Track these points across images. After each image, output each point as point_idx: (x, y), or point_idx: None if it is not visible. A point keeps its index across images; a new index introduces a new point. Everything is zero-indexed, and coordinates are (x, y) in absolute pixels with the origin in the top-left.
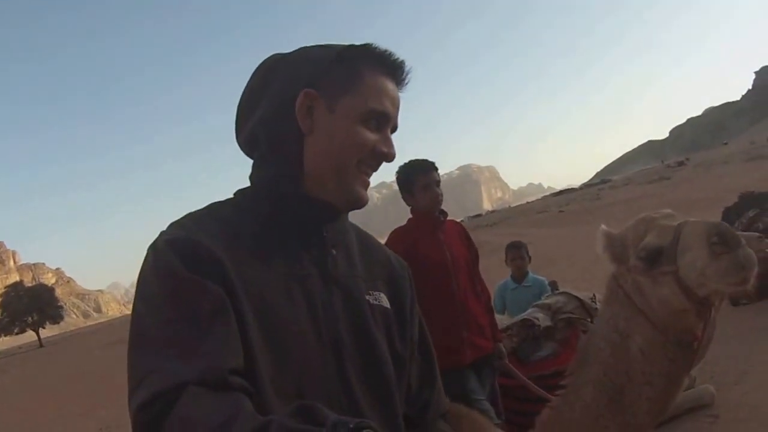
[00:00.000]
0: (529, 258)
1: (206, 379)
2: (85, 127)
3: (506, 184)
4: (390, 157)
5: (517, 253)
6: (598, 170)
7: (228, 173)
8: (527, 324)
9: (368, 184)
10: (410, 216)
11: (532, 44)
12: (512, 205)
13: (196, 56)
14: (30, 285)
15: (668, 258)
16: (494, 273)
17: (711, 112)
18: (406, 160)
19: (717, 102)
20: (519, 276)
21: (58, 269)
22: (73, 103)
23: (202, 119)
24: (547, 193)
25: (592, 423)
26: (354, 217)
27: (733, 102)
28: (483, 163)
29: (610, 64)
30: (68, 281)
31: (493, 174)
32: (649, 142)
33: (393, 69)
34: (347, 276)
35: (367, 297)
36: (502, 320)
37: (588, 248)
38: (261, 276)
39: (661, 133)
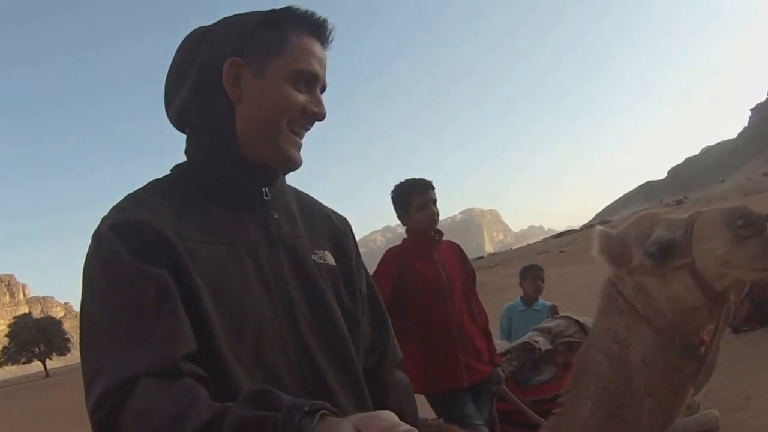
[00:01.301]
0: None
1: (158, 370)
2: (99, 173)
3: (508, 226)
4: (321, 116)
5: (538, 274)
6: (598, 211)
7: None
8: (527, 348)
9: (300, 144)
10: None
11: (530, 93)
12: (514, 247)
13: None
14: (39, 317)
15: (682, 251)
16: (496, 312)
17: (708, 151)
18: (402, 180)
19: (714, 141)
20: (533, 298)
21: (66, 303)
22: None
23: None
24: (548, 235)
25: None
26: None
27: (729, 140)
28: (485, 207)
29: (608, 108)
30: (76, 315)
31: (495, 217)
32: (648, 182)
33: (317, 28)
34: (291, 237)
35: (313, 256)
36: (502, 345)
37: (588, 286)
38: (209, 248)
39: (660, 174)
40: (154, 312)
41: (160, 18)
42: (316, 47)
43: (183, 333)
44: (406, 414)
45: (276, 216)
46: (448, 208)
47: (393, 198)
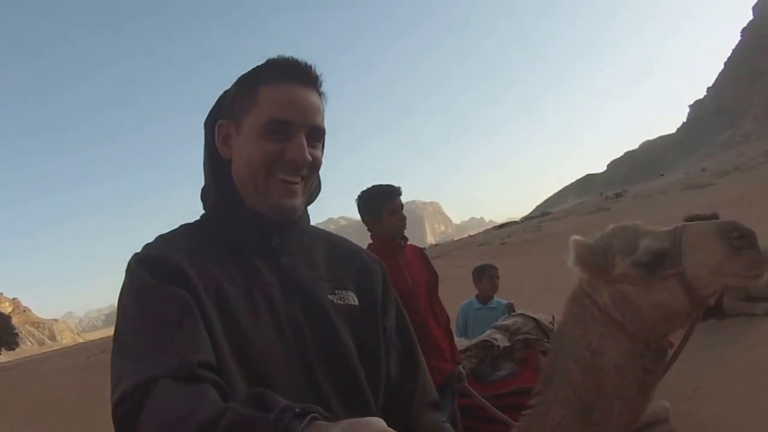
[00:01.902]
0: None
1: (176, 373)
2: (45, 165)
3: (449, 218)
4: (299, 162)
5: (494, 272)
6: (538, 203)
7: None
8: (486, 345)
9: (294, 191)
10: (370, 242)
11: (470, 87)
12: (455, 239)
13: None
14: None
15: (672, 260)
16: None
17: (647, 146)
18: (368, 186)
19: (653, 135)
20: (489, 297)
21: (15, 299)
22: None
23: (159, 163)
24: (489, 227)
25: None
26: None
27: (668, 135)
28: (427, 199)
29: (548, 101)
30: (24, 310)
31: (436, 209)
32: (588, 175)
33: (297, 74)
34: (307, 279)
35: (331, 297)
36: (461, 342)
37: (532, 278)
38: (225, 290)
39: (600, 167)
40: (176, 324)
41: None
42: (296, 91)
43: (202, 343)
44: None
45: (290, 260)
46: None
47: (361, 203)
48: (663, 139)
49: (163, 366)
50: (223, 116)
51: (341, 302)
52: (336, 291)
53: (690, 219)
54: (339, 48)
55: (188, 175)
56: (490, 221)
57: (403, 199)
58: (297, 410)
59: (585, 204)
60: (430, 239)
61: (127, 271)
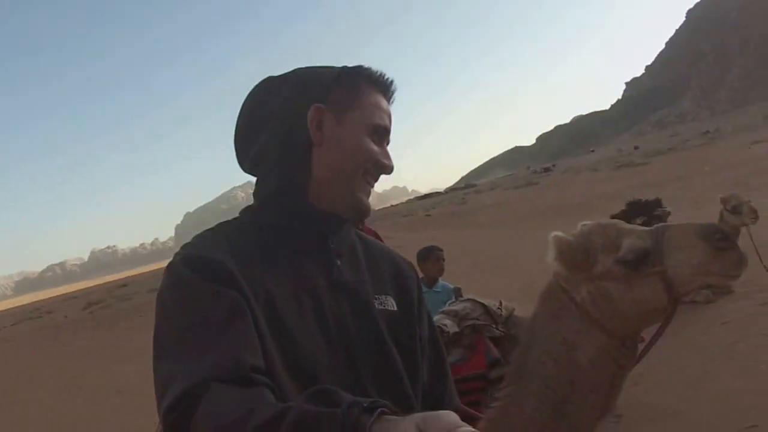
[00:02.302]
0: None
1: (229, 376)
2: None
3: None
4: (389, 169)
5: (440, 254)
6: (464, 174)
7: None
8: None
9: (370, 194)
10: None
11: (399, 53)
12: (376, 208)
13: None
14: None
15: (655, 259)
16: None
17: (579, 121)
18: None
19: (586, 111)
20: (434, 280)
21: None
22: None
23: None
24: (412, 197)
25: None
26: (221, 217)
27: (601, 111)
28: None
29: (478, 71)
30: None
31: None
32: (516, 147)
33: (385, 87)
34: (354, 282)
35: (374, 301)
36: None
37: (459, 253)
38: (271, 290)
39: (529, 140)
40: (226, 325)
41: None
42: (385, 104)
43: (253, 345)
44: None
45: (339, 262)
46: None
47: None
48: (596, 115)
49: (214, 368)
50: (318, 100)
51: (382, 307)
52: (377, 296)
53: (633, 203)
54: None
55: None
56: (413, 191)
57: None
58: (365, 405)
59: (513, 177)
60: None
61: (169, 270)
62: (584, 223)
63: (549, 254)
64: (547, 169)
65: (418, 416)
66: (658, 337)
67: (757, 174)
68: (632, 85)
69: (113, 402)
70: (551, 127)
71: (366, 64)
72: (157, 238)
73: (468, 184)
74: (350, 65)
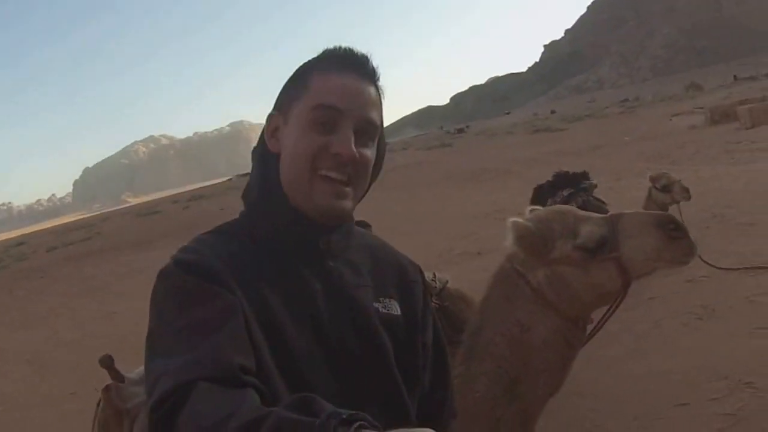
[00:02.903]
0: None
1: (218, 376)
2: None
3: None
4: (345, 156)
5: (369, 228)
6: None
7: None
8: None
9: (342, 192)
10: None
11: (313, 8)
12: None
13: None
14: None
15: (611, 245)
16: None
17: (495, 82)
18: None
19: (502, 73)
20: None
21: None
22: None
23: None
24: None
25: (488, 413)
26: (121, 173)
27: (517, 73)
28: (255, 121)
29: (394, 29)
30: None
31: None
32: (429, 107)
33: (352, 65)
34: (353, 286)
35: (376, 305)
36: None
37: (373, 215)
38: (266, 296)
39: (443, 101)
40: (218, 325)
41: None
42: (348, 82)
43: (244, 347)
44: None
45: (336, 265)
46: (216, 120)
47: None
48: (512, 77)
49: (204, 368)
50: (276, 108)
51: (385, 311)
52: (380, 299)
53: (559, 174)
54: None
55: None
56: None
57: (228, 119)
58: (344, 416)
59: (426, 138)
60: None
61: (163, 273)
62: (533, 207)
63: (507, 239)
64: (460, 130)
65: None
66: (607, 319)
67: (678, 147)
68: (551, 48)
69: (22, 371)
70: (466, 88)
71: (335, 46)
72: (54, 195)
73: None
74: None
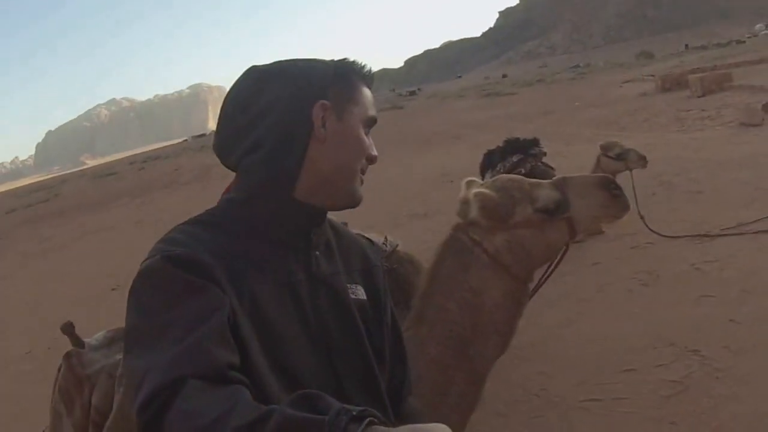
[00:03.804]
0: None
1: (206, 373)
2: None
3: None
4: (377, 159)
5: None
6: None
7: None
8: None
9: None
10: None
11: None
12: None
13: None
14: None
15: (564, 206)
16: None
17: (449, 46)
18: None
19: (456, 37)
20: None
21: None
22: None
23: None
24: None
25: (440, 375)
26: (82, 136)
27: (472, 38)
28: (213, 83)
29: None
30: None
31: (222, 94)
32: (383, 69)
33: (370, 81)
34: (330, 274)
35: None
36: None
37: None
38: (254, 289)
39: (397, 63)
40: (205, 321)
41: None
42: (371, 96)
43: (230, 342)
44: None
45: (318, 254)
46: (176, 82)
47: None
48: (466, 42)
49: (191, 365)
50: (320, 96)
51: (355, 297)
52: (349, 285)
53: (510, 141)
54: None
55: None
56: None
57: (188, 82)
58: (354, 413)
59: (378, 100)
60: (212, 125)
61: (150, 268)
62: (471, 179)
63: (472, 210)
64: (412, 93)
65: (407, 428)
66: (552, 272)
67: (628, 114)
68: (505, 14)
69: None
70: (420, 52)
71: (351, 58)
72: (17, 157)
73: None
74: (338, 59)
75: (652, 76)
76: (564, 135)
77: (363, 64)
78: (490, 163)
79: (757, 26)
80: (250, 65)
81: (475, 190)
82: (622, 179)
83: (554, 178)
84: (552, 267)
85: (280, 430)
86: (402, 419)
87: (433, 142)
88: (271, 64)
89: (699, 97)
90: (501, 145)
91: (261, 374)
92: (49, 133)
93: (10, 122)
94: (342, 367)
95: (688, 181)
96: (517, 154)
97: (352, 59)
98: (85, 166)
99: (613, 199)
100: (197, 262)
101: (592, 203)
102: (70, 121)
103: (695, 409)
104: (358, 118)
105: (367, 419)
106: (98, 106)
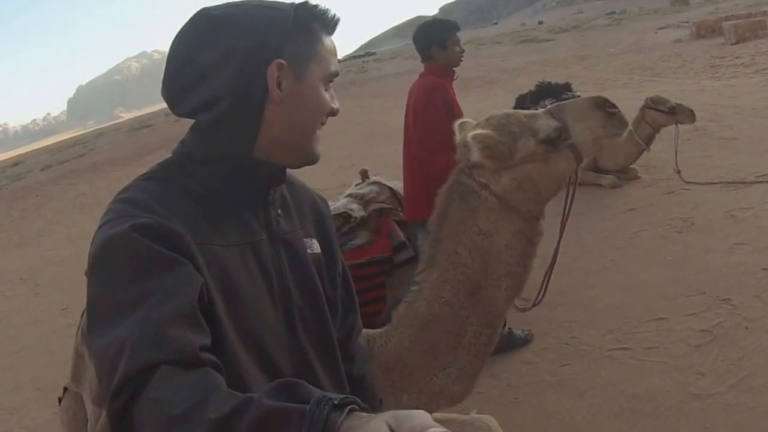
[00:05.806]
0: None
1: (178, 358)
2: None
3: None
4: (338, 112)
5: None
6: (363, 43)
7: None
8: (343, 216)
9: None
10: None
11: None
12: None
13: None
14: None
15: (565, 133)
16: None
17: None
18: (427, 20)
19: None
20: None
21: None
22: None
23: None
24: None
25: (454, 315)
26: (113, 89)
27: None
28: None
29: None
30: None
31: None
32: (418, 17)
33: (333, 28)
34: (289, 231)
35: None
36: None
37: (358, 122)
38: (219, 251)
39: (432, 10)
40: (175, 297)
41: None
42: (333, 46)
43: (200, 321)
44: (370, 377)
45: (275, 213)
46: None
47: (425, 35)
48: None
49: (164, 349)
50: (276, 52)
51: (311, 251)
52: (305, 239)
53: (542, 85)
54: None
55: None
56: None
57: (162, 48)
58: (336, 402)
59: (413, 46)
60: None
61: (116, 237)
62: (462, 120)
63: (473, 152)
64: None
65: (389, 414)
66: (571, 207)
67: (662, 60)
68: None
69: (17, 289)
70: None
71: (312, 2)
72: (49, 114)
73: (367, 51)
74: (298, 3)
75: (687, 22)
76: (599, 80)
77: (326, 9)
78: (522, 106)
79: None
80: (201, 8)
81: (472, 132)
82: (664, 131)
83: (547, 107)
84: (568, 202)
85: (259, 422)
86: (354, 357)
87: (471, 87)
88: (223, 8)
89: (733, 44)
90: (533, 89)
91: (234, 351)
92: (80, 88)
93: (39, 78)
94: (299, 319)
95: (722, 127)
96: (549, 98)
97: (312, 5)
98: (119, 119)
99: (610, 117)
100: (167, 233)
101: (591, 125)
102: (100, 75)
103: (723, 360)
104: (317, 75)
105: (348, 407)
106: (128, 59)
